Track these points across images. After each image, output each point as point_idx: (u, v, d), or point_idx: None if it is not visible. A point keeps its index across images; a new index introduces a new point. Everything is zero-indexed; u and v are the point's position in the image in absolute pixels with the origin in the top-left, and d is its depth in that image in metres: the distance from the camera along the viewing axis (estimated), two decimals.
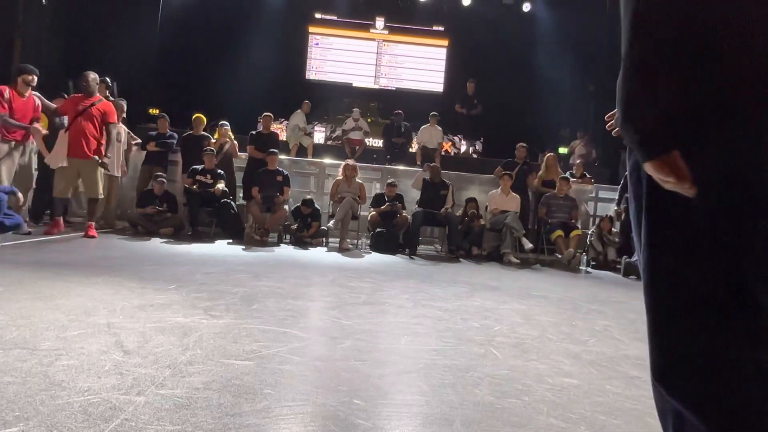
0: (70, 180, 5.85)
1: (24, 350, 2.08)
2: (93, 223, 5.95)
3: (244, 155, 7.94)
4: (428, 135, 9.67)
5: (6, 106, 5.35)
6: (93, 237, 5.81)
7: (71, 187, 5.91)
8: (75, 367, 1.94)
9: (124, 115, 7.71)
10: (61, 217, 5.94)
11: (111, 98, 8.06)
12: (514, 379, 2.24)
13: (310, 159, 9.50)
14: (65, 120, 5.92)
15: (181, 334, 2.48)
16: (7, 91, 5.34)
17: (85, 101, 5.80)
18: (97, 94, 5.96)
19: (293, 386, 1.97)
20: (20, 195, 5.20)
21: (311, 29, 13.47)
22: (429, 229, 8.03)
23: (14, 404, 1.61)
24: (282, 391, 1.90)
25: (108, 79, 8.07)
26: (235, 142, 7.92)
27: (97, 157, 5.86)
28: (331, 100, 13.00)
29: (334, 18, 13.43)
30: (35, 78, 5.59)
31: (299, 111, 10.32)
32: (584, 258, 7.47)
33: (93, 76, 5.88)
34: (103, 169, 6.00)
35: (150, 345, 2.27)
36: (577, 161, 9.36)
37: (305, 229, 7.14)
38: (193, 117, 7.87)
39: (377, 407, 1.84)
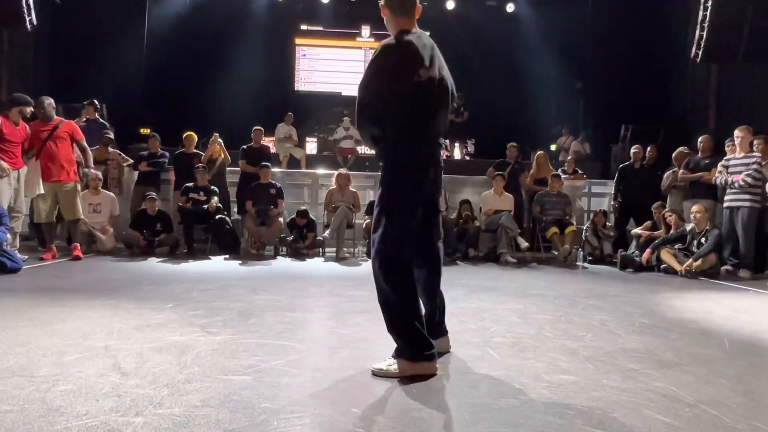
0: (50, 204, 5.87)
1: (21, 378, 2.08)
2: (78, 245, 6.00)
3: (236, 169, 7.97)
4: None
5: None
6: (79, 258, 5.85)
7: (53, 210, 5.92)
8: (73, 392, 1.95)
9: (111, 135, 7.73)
10: (53, 244, 5.97)
11: (100, 121, 8.10)
12: (511, 379, 2.25)
13: (303, 170, 9.53)
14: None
15: (179, 352, 2.48)
16: None
17: (47, 126, 5.77)
18: (56, 117, 5.93)
19: (291, 398, 1.97)
20: (9, 236, 5.22)
21: (298, 41, 13.55)
22: None
23: None
24: (280, 404, 1.90)
25: (96, 102, 8.10)
26: (224, 146, 7.93)
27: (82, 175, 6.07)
28: (321, 110, 13.06)
29: (320, 29, 13.52)
30: (32, 109, 5.63)
31: (282, 123, 10.40)
32: (580, 253, 7.50)
33: (49, 101, 5.85)
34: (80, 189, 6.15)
35: (148, 365, 2.28)
36: (569, 158, 9.40)
37: (301, 240, 7.15)
38: (185, 135, 7.89)
39: (376, 415, 1.85)
